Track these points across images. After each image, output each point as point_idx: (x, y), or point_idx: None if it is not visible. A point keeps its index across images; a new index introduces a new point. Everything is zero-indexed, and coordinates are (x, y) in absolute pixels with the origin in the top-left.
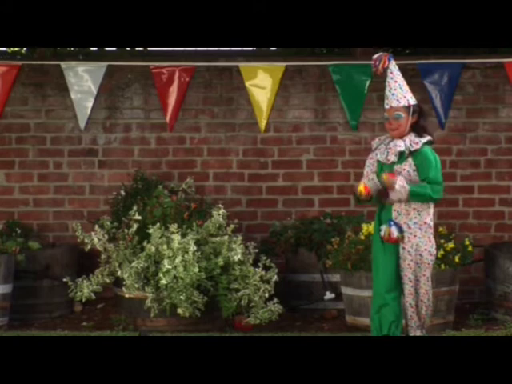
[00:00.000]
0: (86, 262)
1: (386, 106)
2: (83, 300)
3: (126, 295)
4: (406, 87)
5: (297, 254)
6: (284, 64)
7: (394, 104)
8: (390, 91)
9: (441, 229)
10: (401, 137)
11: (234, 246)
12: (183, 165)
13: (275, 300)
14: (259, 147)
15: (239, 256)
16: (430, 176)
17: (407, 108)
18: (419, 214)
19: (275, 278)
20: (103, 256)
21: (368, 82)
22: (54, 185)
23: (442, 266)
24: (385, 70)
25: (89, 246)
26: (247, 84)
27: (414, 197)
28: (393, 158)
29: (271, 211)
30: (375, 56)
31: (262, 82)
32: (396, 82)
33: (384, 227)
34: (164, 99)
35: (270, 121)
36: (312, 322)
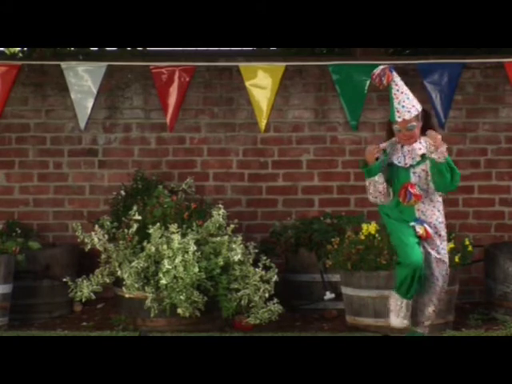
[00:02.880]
0: (86, 261)
1: (398, 119)
2: (83, 300)
3: (126, 295)
4: (411, 95)
5: (297, 253)
6: (284, 64)
7: (407, 117)
8: (399, 104)
9: None
10: (414, 142)
11: (233, 246)
12: (183, 165)
13: (275, 300)
14: (259, 147)
15: (239, 256)
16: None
17: (417, 115)
18: (441, 214)
19: (275, 277)
20: (103, 256)
21: (368, 82)
22: (53, 185)
23: None
24: (389, 83)
25: (89, 246)
26: (247, 84)
27: (450, 167)
28: (410, 161)
29: (271, 211)
30: (377, 71)
31: (262, 82)
32: (402, 92)
33: (419, 227)
34: (164, 99)
35: (270, 121)
36: (312, 321)
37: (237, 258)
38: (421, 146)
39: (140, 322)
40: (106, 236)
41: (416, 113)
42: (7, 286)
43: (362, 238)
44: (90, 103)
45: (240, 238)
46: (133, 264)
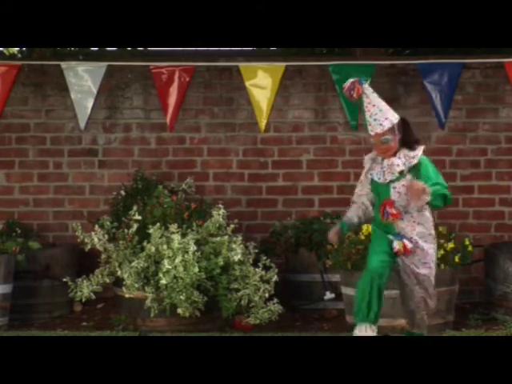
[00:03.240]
0: (86, 261)
1: (371, 133)
2: (83, 300)
3: (126, 295)
4: (385, 107)
5: (297, 253)
6: (284, 64)
7: (379, 130)
8: (371, 117)
9: (441, 229)
10: (393, 155)
11: (233, 245)
12: (183, 165)
13: (275, 300)
14: (259, 147)
15: (239, 256)
16: (434, 180)
17: (392, 128)
18: (425, 227)
19: (275, 277)
20: (103, 256)
21: (368, 82)
22: (54, 185)
23: (442, 266)
24: (360, 96)
25: (89, 246)
26: (247, 84)
27: (436, 197)
28: (390, 176)
29: (271, 211)
30: (346, 85)
31: (261, 82)
32: (374, 105)
33: (397, 242)
34: (164, 99)
35: (270, 121)
36: (312, 321)
37: (237, 258)
38: (399, 161)
39: (140, 322)
40: (106, 236)
41: (389, 125)
42: (7, 285)
43: (362, 238)
44: (90, 103)
45: (240, 238)
46: (133, 264)
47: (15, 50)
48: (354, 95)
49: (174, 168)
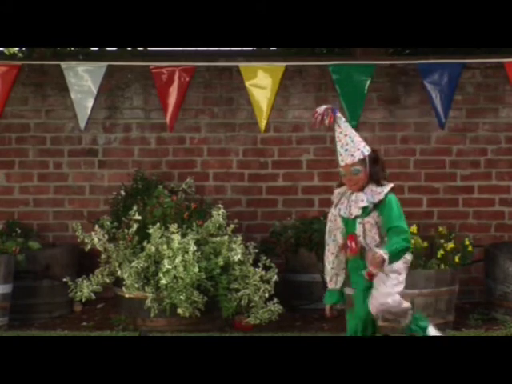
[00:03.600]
0: (86, 261)
1: (341, 163)
2: (83, 300)
3: (126, 295)
4: (357, 138)
5: (297, 253)
6: (284, 64)
7: (349, 161)
8: (342, 147)
9: (441, 229)
10: (361, 189)
11: (233, 246)
12: (183, 165)
13: (275, 300)
14: (259, 147)
15: (239, 256)
16: (393, 226)
17: (363, 160)
18: (391, 267)
19: (275, 277)
20: (103, 256)
21: (368, 82)
22: (54, 185)
23: (442, 266)
24: (332, 123)
25: (89, 246)
26: (247, 84)
27: (395, 256)
28: (356, 211)
29: (271, 211)
30: (319, 110)
31: (261, 82)
32: (346, 135)
33: (365, 270)
34: (164, 99)
35: (270, 121)
36: (312, 321)
37: (237, 258)
38: (364, 197)
39: (140, 322)
40: (106, 236)
41: (361, 157)
42: (7, 286)
43: None
44: (90, 103)
45: (240, 238)
46: (133, 264)
47: (15, 49)
48: (326, 122)
49: (174, 168)
